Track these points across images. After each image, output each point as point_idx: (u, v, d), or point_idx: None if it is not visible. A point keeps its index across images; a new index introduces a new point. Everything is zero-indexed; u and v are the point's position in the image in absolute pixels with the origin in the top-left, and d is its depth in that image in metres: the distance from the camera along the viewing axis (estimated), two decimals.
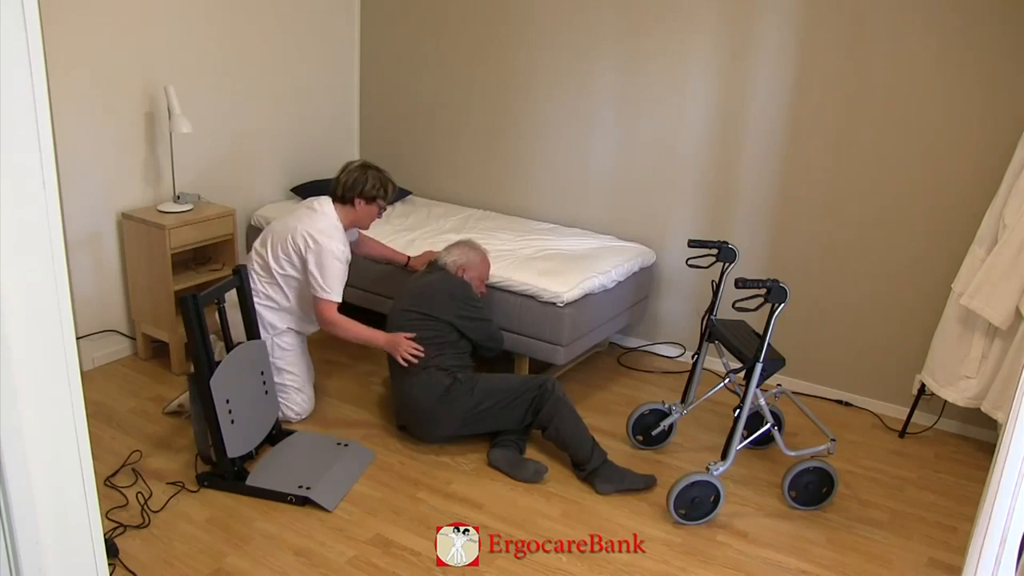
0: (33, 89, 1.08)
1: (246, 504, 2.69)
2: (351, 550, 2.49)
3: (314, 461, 2.89)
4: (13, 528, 1.17)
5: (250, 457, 2.89)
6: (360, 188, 3.06)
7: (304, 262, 3.01)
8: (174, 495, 2.70)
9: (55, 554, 1.24)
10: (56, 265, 1.15)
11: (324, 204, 3.09)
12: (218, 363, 2.69)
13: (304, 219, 3.05)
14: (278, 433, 3.05)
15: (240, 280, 2.92)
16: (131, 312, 3.67)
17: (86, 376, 3.43)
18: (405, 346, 2.96)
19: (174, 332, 3.50)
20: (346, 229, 3.11)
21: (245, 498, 2.71)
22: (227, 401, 2.71)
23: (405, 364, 2.96)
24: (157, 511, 2.61)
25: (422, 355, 2.96)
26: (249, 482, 2.75)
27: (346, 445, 2.99)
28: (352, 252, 3.16)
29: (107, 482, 2.74)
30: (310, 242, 2.98)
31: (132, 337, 3.71)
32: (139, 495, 2.68)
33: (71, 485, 1.25)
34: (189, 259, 3.70)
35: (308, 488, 2.71)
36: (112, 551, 2.41)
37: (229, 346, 2.89)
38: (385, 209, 3.18)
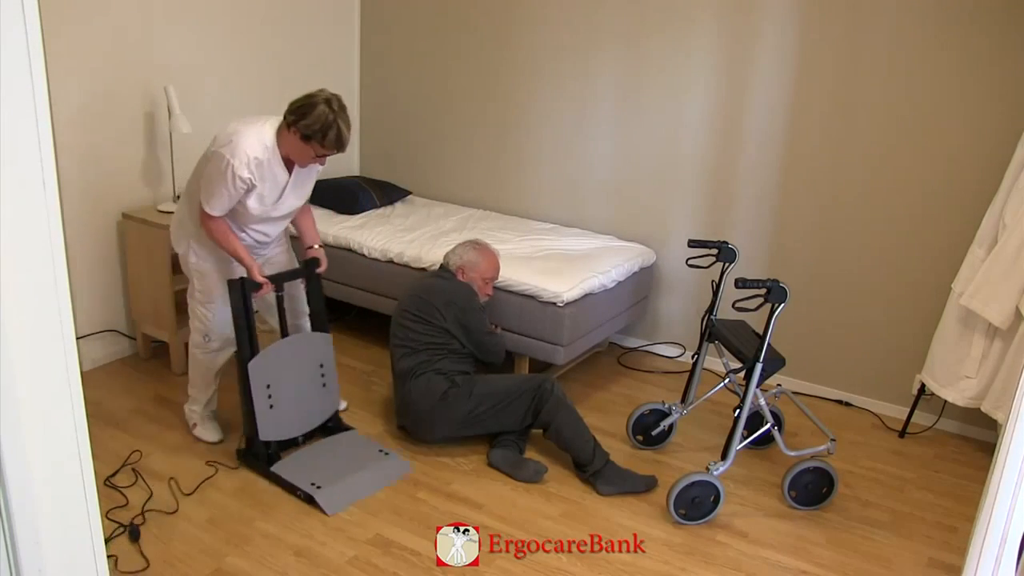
0: (33, 89, 1.08)
1: (246, 504, 2.69)
2: (351, 550, 2.49)
3: (344, 462, 2.88)
4: (13, 528, 1.17)
5: (295, 444, 2.94)
6: (299, 116, 2.56)
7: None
8: (139, 515, 2.70)
9: (55, 554, 1.24)
10: (56, 265, 1.15)
11: (269, 120, 2.67)
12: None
13: (243, 120, 2.67)
14: (335, 426, 3.07)
15: (309, 271, 2.95)
16: (131, 312, 3.67)
17: (86, 376, 3.43)
18: (256, 278, 2.75)
19: (174, 332, 3.50)
20: (285, 158, 2.68)
21: (245, 498, 2.72)
22: (267, 386, 2.76)
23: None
24: (177, 506, 2.61)
25: (267, 288, 2.78)
26: (274, 468, 2.79)
27: (387, 454, 2.97)
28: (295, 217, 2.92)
29: (107, 482, 2.74)
30: (218, 140, 2.63)
31: (132, 337, 3.71)
32: (160, 491, 2.68)
33: (71, 485, 1.25)
34: None
35: (318, 487, 2.72)
36: (134, 534, 2.49)
37: (284, 334, 2.93)
38: (323, 157, 2.66)
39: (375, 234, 3.80)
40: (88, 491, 1.27)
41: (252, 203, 2.69)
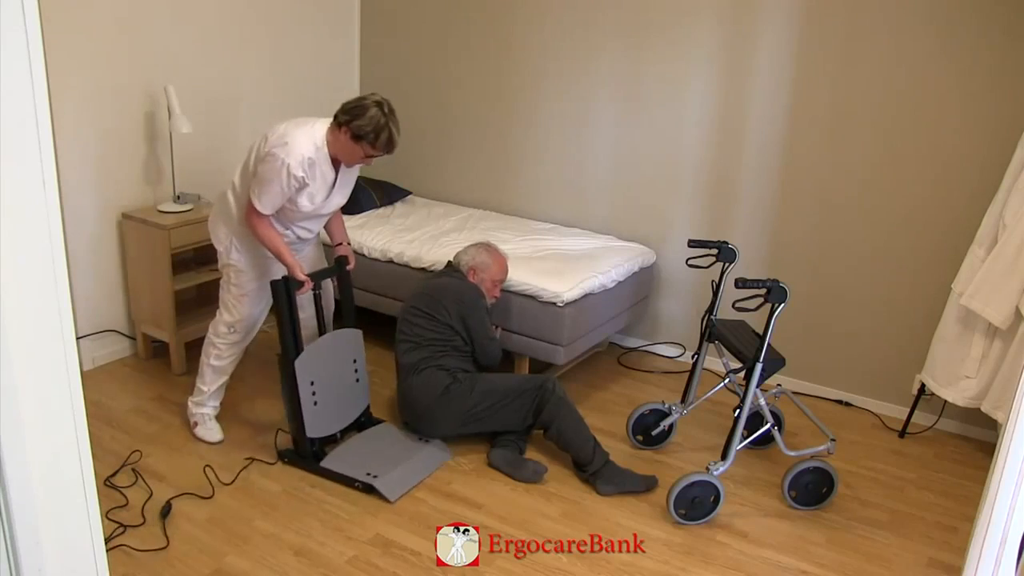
0: (33, 89, 1.08)
1: (246, 504, 2.69)
2: (351, 550, 2.49)
3: (390, 452, 2.96)
4: (13, 528, 1.17)
5: (333, 440, 3.00)
6: (353, 117, 2.64)
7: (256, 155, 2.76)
8: (177, 496, 2.71)
9: (55, 554, 1.24)
10: (56, 265, 1.15)
11: (319, 120, 2.75)
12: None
13: (292, 122, 2.75)
14: (367, 420, 3.12)
15: (340, 269, 3.03)
16: (131, 312, 3.67)
17: (86, 376, 3.43)
18: (299, 277, 2.81)
19: (174, 332, 3.50)
20: (332, 157, 2.76)
21: (245, 498, 2.72)
22: (311, 383, 2.82)
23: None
24: (212, 492, 2.62)
25: (309, 285, 2.85)
26: (324, 464, 2.86)
27: (427, 442, 3.03)
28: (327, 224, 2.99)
29: (107, 482, 2.74)
30: (271, 140, 2.69)
31: (132, 337, 3.71)
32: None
33: (71, 485, 1.25)
34: (189, 259, 3.69)
35: (375, 476, 2.78)
36: (166, 510, 2.60)
37: (322, 331, 3.00)
38: (371, 157, 2.74)
39: (375, 234, 3.80)
40: (88, 491, 1.27)
41: (303, 201, 2.77)
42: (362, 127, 2.63)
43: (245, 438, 3.07)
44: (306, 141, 2.68)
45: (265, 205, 2.72)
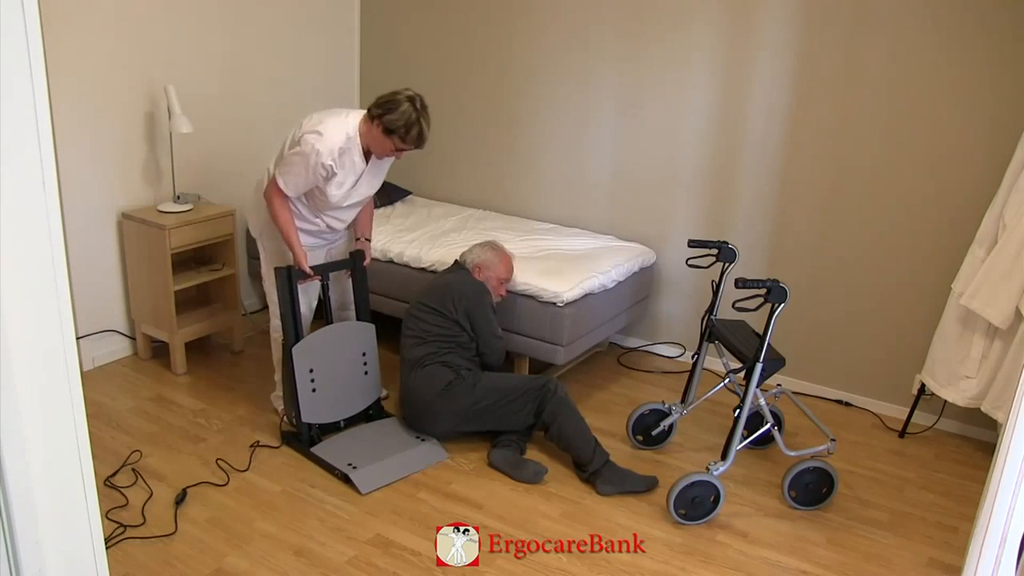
0: (33, 89, 1.08)
1: (246, 504, 2.69)
2: (351, 550, 2.49)
3: (381, 446, 3.00)
4: (13, 528, 1.17)
5: (336, 428, 3.09)
6: (385, 111, 2.71)
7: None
8: (194, 484, 2.71)
9: (55, 554, 1.24)
10: (56, 265, 1.15)
11: (353, 111, 2.85)
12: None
13: (327, 111, 2.84)
14: (376, 413, 3.20)
15: (354, 263, 3.11)
16: (131, 312, 3.67)
17: (86, 376, 3.43)
18: (303, 267, 2.91)
19: (174, 332, 3.50)
20: (365, 149, 2.84)
21: (245, 498, 2.72)
22: (310, 370, 2.93)
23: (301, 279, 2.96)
24: (227, 479, 2.61)
25: (313, 278, 2.98)
26: (314, 450, 2.94)
27: (423, 440, 3.06)
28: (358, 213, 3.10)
29: (107, 482, 2.74)
30: (305, 127, 2.77)
31: (132, 337, 3.71)
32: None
33: (71, 485, 1.25)
34: (189, 259, 3.69)
35: (355, 468, 2.82)
36: (180, 497, 2.66)
37: (329, 322, 3.09)
38: (401, 151, 2.81)
39: (375, 234, 3.79)
40: (88, 491, 1.27)
41: (332, 190, 2.85)
42: (394, 121, 2.70)
43: (259, 421, 3.10)
44: (339, 130, 2.76)
45: (288, 185, 2.81)
